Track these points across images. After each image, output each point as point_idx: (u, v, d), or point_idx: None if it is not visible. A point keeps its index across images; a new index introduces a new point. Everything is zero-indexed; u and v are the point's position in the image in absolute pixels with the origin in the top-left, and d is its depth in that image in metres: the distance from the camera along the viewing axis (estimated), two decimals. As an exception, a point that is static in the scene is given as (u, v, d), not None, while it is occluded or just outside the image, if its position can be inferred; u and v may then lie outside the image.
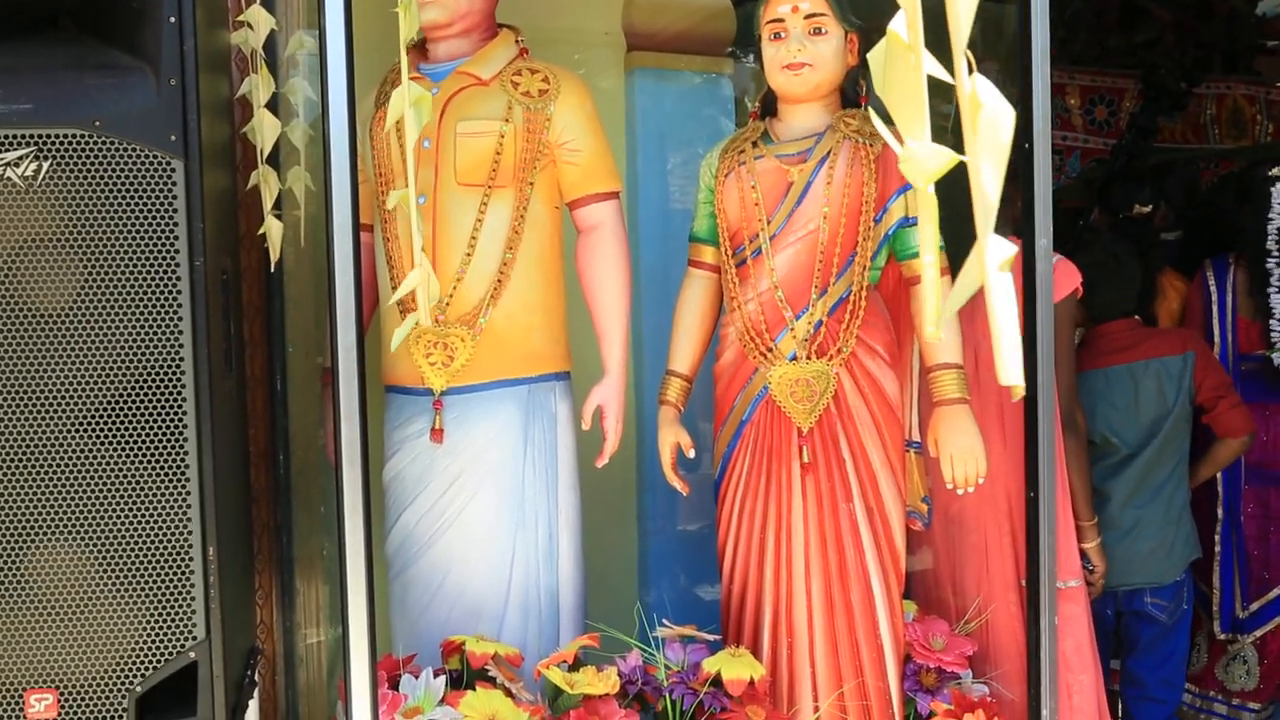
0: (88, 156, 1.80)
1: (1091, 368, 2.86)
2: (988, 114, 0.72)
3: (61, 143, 1.79)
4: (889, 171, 2.37)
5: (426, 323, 2.20)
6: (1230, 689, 3.70)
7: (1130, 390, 2.83)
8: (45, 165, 1.78)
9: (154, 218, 1.82)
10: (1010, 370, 0.71)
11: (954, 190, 2.59)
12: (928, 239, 0.85)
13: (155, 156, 1.81)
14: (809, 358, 2.36)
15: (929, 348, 2.38)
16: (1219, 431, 2.95)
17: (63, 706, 1.85)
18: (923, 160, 0.74)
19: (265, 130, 2.14)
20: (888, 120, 0.82)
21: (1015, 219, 2.42)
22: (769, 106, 2.52)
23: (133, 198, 1.81)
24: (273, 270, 2.25)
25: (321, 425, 2.65)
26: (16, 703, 1.84)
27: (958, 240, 2.43)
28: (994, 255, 0.72)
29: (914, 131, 0.77)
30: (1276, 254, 3.48)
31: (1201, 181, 4.58)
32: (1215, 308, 3.69)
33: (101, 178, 1.80)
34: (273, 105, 2.18)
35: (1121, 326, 2.93)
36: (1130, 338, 2.90)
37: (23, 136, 1.78)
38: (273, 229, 2.14)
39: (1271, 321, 3.52)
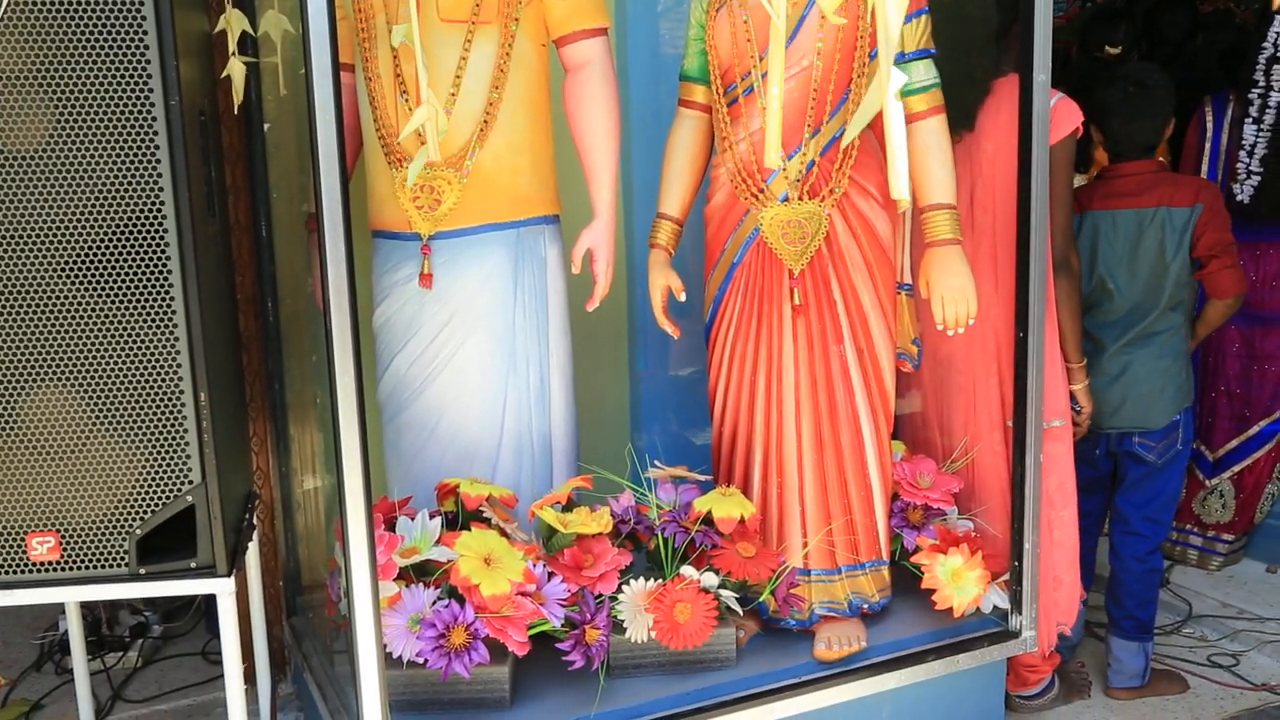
0: (52, -11, 1.72)
1: (1101, 208, 2.80)
2: None
3: (24, -25, 1.72)
4: (885, 4, 2.29)
5: (436, 158, 2.15)
6: (1206, 522, 3.81)
7: (1133, 237, 2.78)
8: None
9: (125, 55, 1.76)
10: (899, 184, 0.79)
11: (952, 26, 2.50)
12: (775, 71, 0.91)
13: (122, -10, 1.73)
14: (801, 199, 2.33)
15: (922, 188, 2.34)
16: (1208, 290, 2.88)
17: (64, 548, 1.88)
18: None
19: None
20: None
21: (1016, 56, 2.36)
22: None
23: (101, 34, 1.75)
24: (236, 113, 2.19)
25: (309, 272, 2.62)
26: (20, 545, 1.87)
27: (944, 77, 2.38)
28: (893, 84, 0.79)
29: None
30: (1261, 85, 3.41)
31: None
32: (1209, 144, 3.63)
33: (68, 12, 1.73)
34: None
35: (1139, 168, 2.81)
36: (1143, 182, 2.80)
37: (-18, -31, 1.70)
38: (236, 70, 2.07)
39: (1241, 152, 3.46)
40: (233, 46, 2.06)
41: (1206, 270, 2.81)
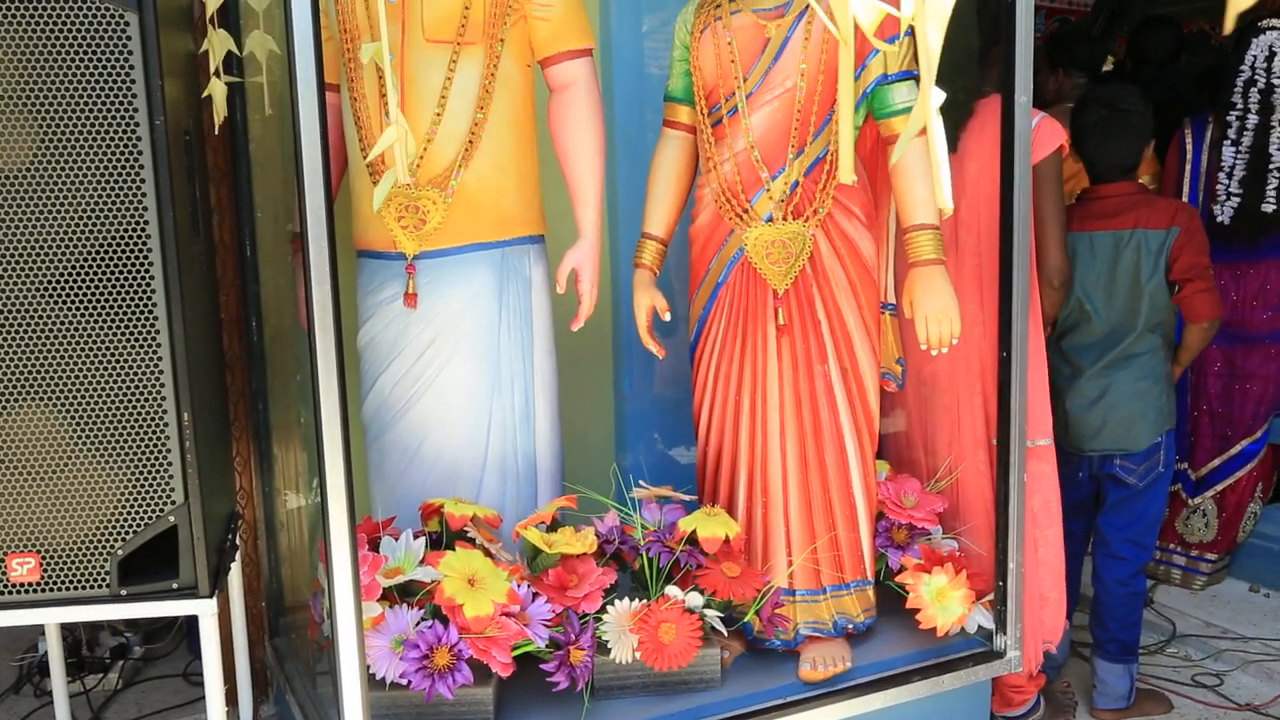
0: (37, 9, 1.72)
1: (1079, 230, 2.80)
2: None
3: (8, -5, 1.72)
4: (868, 27, 2.31)
5: (405, 179, 2.15)
6: (1189, 541, 3.82)
7: (1110, 259, 2.78)
8: (-8, 19, 1.71)
9: (110, 74, 1.76)
10: (944, 195, 0.90)
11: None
12: (845, 94, 0.96)
13: (108, 9, 1.74)
14: (785, 219, 2.34)
15: (905, 208, 2.36)
16: (1184, 314, 2.87)
17: (45, 569, 1.87)
18: (865, 11, 0.86)
19: None
20: None
21: (997, 76, 2.38)
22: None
23: (87, 53, 1.75)
24: (217, 133, 2.20)
25: (293, 291, 2.62)
26: (-2, 566, 1.86)
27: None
28: (934, 101, 0.87)
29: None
30: (1239, 107, 3.44)
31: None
32: (1189, 166, 3.66)
33: (53, 32, 1.74)
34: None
35: (1118, 190, 2.82)
36: (1121, 204, 2.79)
37: (-34, -12, 1.70)
38: (217, 90, 2.07)
39: (1220, 174, 3.49)
40: (215, 66, 2.06)
41: (1181, 294, 2.81)
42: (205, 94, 2.07)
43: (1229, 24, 0.81)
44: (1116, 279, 2.79)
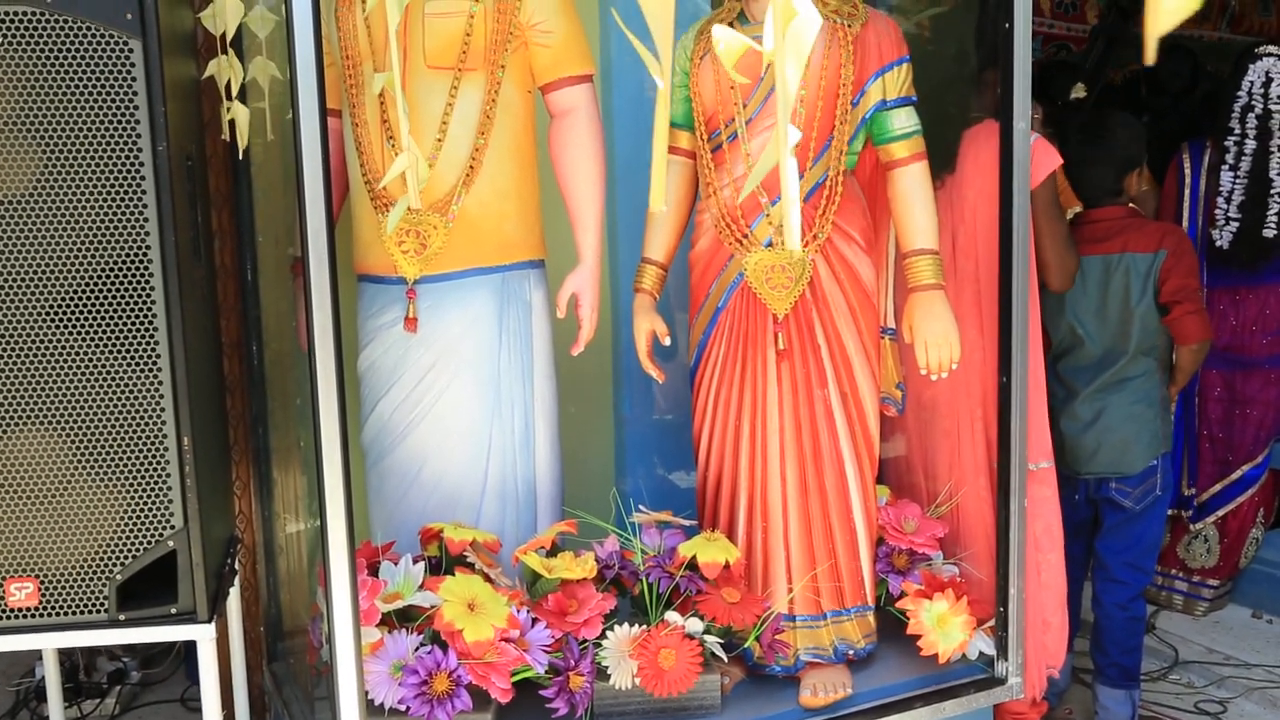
0: (41, 36, 1.74)
1: None
2: (797, 23, 0.82)
3: (12, 21, 1.73)
4: (866, 54, 2.33)
5: (417, 205, 2.17)
6: (1191, 566, 3.81)
7: (1101, 283, 2.79)
8: (-3, 45, 1.72)
9: (113, 100, 1.77)
10: (793, 235, 0.91)
11: (930, 71, 2.54)
12: (660, 126, 0.95)
13: (111, 36, 1.75)
14: (785, 244, 2.34)
15: (905, 234, 2.36)
16: (1174, 337, 2.89)
17: (43, 594, 1.86)
18: (729, 45, 0.86)
19: (228, 13, 2.07)
20: None
21: (995, 103, 2.39)
22: (746, -14, 2.46)
23: (90, 79, 1.76)
24: (240, 158, 2.20)
25: (294, 315, 2.62)
26: (-4, 591, 1.85)
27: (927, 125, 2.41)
28: (788, 140, 0.88)
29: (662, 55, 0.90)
30: (1236, 132, 3.46)
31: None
32: (1188, 190, 3.68)
33: (56, 58, 1.75)
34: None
35: (1108, 214, 2.84)
36: (1111, 228, 2.81)
37: (-29, 15, 1.71)
38: (239, 114, 2.08)
39: (1219, 199, 3.51)
40: (234, 93, 2.08)
41: (1171, 316, 2.82)
42: (229, 117, 2.08)
43: (1149, 53, 0.78)
44: (1107, 303, 2.80)
